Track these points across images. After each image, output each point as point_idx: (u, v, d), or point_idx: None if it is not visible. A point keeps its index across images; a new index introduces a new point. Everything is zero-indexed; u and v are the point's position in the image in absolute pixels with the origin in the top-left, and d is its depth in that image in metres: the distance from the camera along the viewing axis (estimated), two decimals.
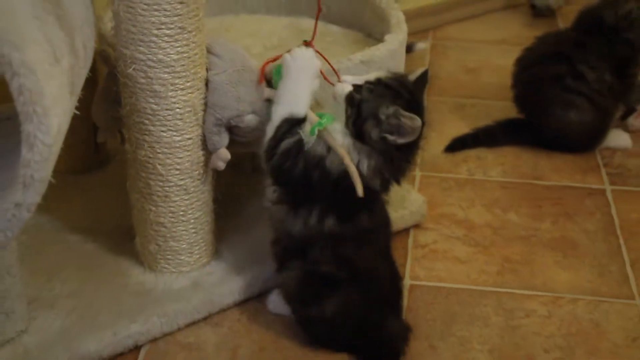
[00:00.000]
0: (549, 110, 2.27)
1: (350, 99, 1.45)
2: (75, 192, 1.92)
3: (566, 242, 1.95)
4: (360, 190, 1.42)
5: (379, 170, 1.46)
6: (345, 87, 1.47)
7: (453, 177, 2.19)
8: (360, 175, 1.43)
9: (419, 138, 1.46)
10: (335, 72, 1.55)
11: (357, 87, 1.46)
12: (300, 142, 1.46)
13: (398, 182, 1.52)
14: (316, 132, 1.45)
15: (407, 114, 1.40)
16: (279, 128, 1.48)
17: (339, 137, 1.46)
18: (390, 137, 1.42)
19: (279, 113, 1.48)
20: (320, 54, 1.54)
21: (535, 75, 2.32)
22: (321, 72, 1.52)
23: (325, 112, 1.49)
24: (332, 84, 1.50)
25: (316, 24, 1.58)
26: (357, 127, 1.44)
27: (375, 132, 1.43)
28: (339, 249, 1.51)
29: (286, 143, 1.47)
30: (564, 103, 2.25)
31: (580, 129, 2.28)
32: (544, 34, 2.43)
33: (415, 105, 1.45)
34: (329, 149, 1.46)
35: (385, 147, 1.44)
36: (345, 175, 1.43)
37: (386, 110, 1.42)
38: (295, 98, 1.48)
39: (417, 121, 1.40)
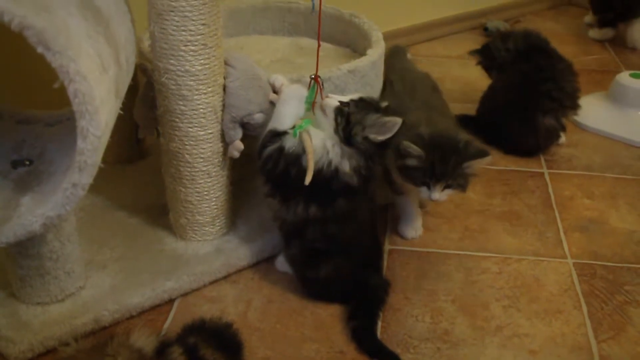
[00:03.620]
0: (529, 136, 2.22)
1: (339, 111, 1.46)
2: (121, 178, 1.92)
3: (513, 214, 1.95)
4: (308, 179, 1.43)
5: (358, 169, 1.47)
6: (333, 102, 1.48)
7: None
8: (341, 172, 1.46)
9: (390, 140, 1.47)
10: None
11: (343, 103, 1.47)
12: (280, 148, 1.49)
13: (373, 178, 1.53)
14: (298, 133, 1.47)
15: (388, 117, 1.42)
16: (265, 137, 1.52)
17: (315, 139, 1.47)
18: (372, 136, 1.43)
19: (268, 127, 1.52)
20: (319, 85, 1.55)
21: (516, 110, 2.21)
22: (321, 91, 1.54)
23: (305, 118, 1.51)
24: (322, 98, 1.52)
25: (317, 60, 1.57)
26: (345, 132, 1.45)
27: (360, 134, 1.44)
28: (325, 228, 1.51)
29: (269, 150, 1.50)
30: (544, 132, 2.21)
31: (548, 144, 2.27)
32: (506, 83, 2.28)
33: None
34: (304, 149, 1.47)
35: (366, 147, 1.45)
36: (316, 171, 1.45)
37: (372, 116, 1.43)
38: (280, 117, 1.52)
39: (397, 119, 1.42)
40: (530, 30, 2.33)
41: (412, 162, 1.58)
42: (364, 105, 1.47)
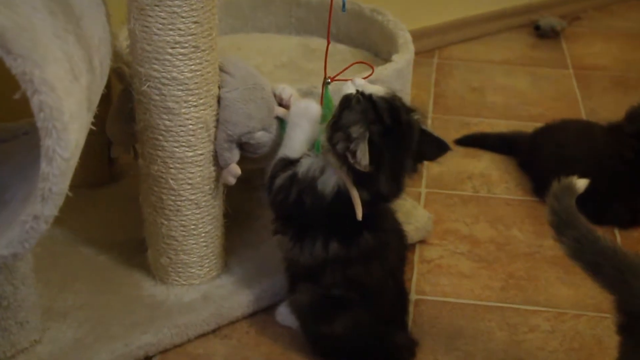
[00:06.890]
0: None
1: (343, 101, 1.44)
2: (88, 206, 1.93)
3: (568, 259, 1.95)
4: (359, 214, 1.43)
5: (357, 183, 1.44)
6: (349, 88, 1.46)
7: (458, 194, 2.20)
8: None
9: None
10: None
11: (355, 93, 1.44)
12: (293, 176, 1.50)
13: (384, 199, 1.50)
14: (321, 147, 1.47)
15: (364, 150, 1.34)
16: (275, 166, 1.54)
17: None
18: (351, 159, 1.38)
19: (279, 153, 1.54)
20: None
21: None
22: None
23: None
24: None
25: (326, 59, 1.60)
26: (332, 130, 1.41)
27: (341, 146, 1.39)
28: (348, 271, 1.52)
29: (280, 179, 1.52)
30: None
31: None
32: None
33: (393, 134, 1.41)
34: (323, 170, 1.47)
35: (348, 165, 1.40)
36: (337, 196, 1.46)
37: (357, 129, 1.38)
38: (291, 142, 1.54)
39: (366, 165, 1.35)
40: None
41: None
42: (365, 106, 1.41)
